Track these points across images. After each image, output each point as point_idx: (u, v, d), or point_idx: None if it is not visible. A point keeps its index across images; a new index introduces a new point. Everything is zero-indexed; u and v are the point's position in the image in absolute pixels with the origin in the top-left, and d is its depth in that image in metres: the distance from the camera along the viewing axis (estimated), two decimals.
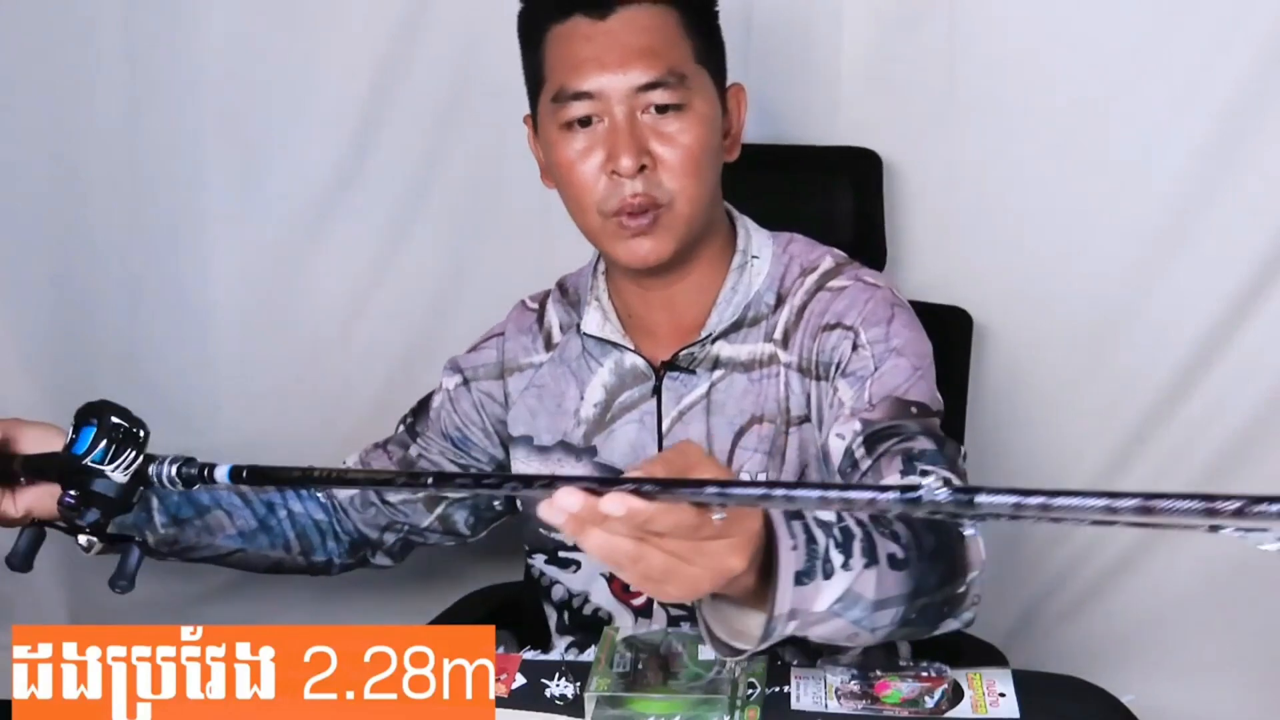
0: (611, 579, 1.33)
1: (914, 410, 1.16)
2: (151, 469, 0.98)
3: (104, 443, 0.99)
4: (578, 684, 1.07)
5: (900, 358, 1.18)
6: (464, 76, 1.76)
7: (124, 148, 1.87)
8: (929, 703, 1.03)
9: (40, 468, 1.06)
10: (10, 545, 1.04)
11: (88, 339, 1.98)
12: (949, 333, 1.54)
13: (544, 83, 1.20)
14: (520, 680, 1.09)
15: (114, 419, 1.02)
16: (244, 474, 0.90)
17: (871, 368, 1.18)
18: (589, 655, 1.11)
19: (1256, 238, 1.57)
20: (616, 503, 0.71)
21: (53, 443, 1.07)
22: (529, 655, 1.15)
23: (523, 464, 1.33)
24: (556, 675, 1.09)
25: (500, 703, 1.06)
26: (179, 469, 0.96)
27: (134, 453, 1.01)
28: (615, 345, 1.29)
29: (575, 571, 1.34)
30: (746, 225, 1.30)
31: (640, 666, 1.05)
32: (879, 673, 1.07)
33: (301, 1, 1.79)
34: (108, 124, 1.87)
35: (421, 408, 1.41)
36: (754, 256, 1.28)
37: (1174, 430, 1.66)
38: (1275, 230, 1.57)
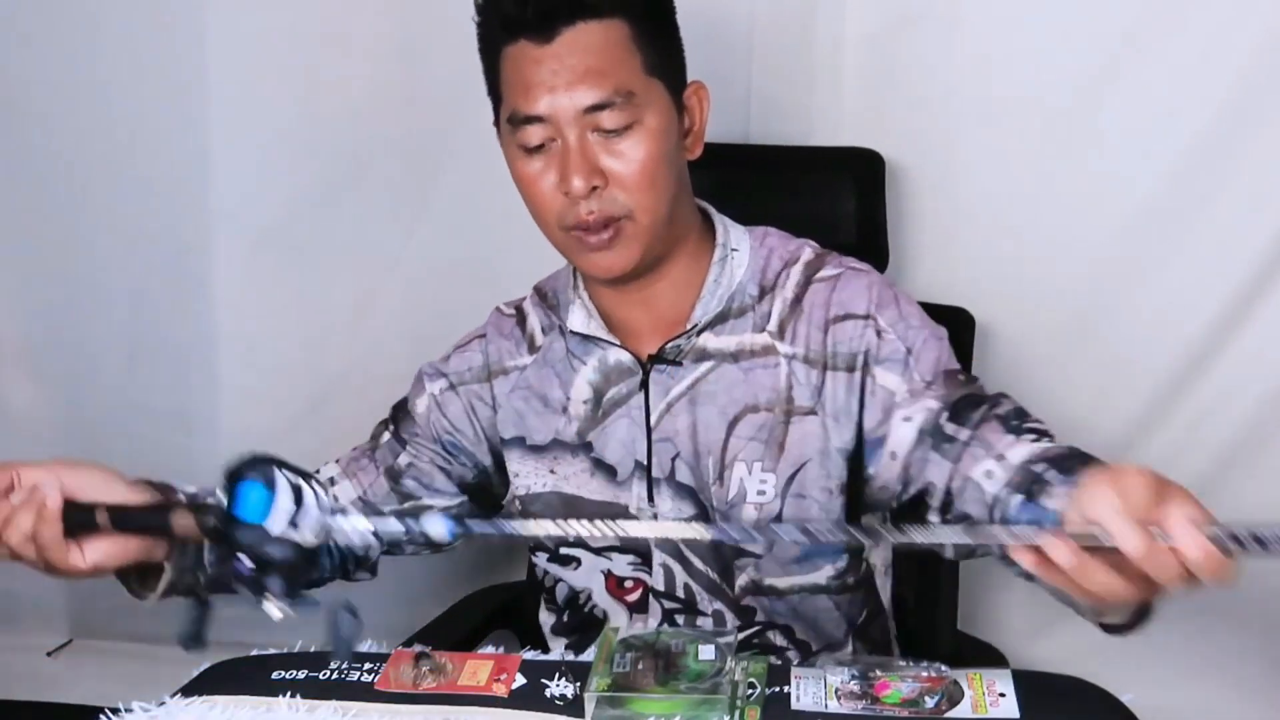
0: (608, 576, 1.33)
1: (962, 377, 1.22)
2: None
3: (281, 499, 0.90)
4: (578, 684, 1.07)
5: (923, 331, 1.24)
6: (468, 73, 1.75)
7: (127, 146, 1.88)
8: (929, 703, 1.03)
9: (160, 524, 0.98)
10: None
11: (93, 338, 1.99)
12: (951, 333, 1.53)
13: (501, 100, 1.22)
14: (520, 680, 1.09)
15: (288, 475, 0.91)
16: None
17: (903, 349, 1.22)
18: (589, 655, 1.11)
19: (1257, 237, 1.58)
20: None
21: (105, 484, 1.06)
22: (529, 655, 1.14)
23: (517, 464, 1.34)
24: (556, 675, 1.09)
25: (500, 703, 1.06)
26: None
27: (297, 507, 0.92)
28: (599, 343, 1.30)
29: (576, 569, 1.35)
30: (724, 222, 1.32)
31: (640, 666, 1.05)
32: (879, 673, 1.06)
33: (305, 4, 1.79)
34: (111, 124, 1.88)
35: (404, 415, 1.39)
36: (733, 249, 1.29)
37: (1174, 428, 1.66)
38: (1273, 229, 1.57)
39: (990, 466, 1.13)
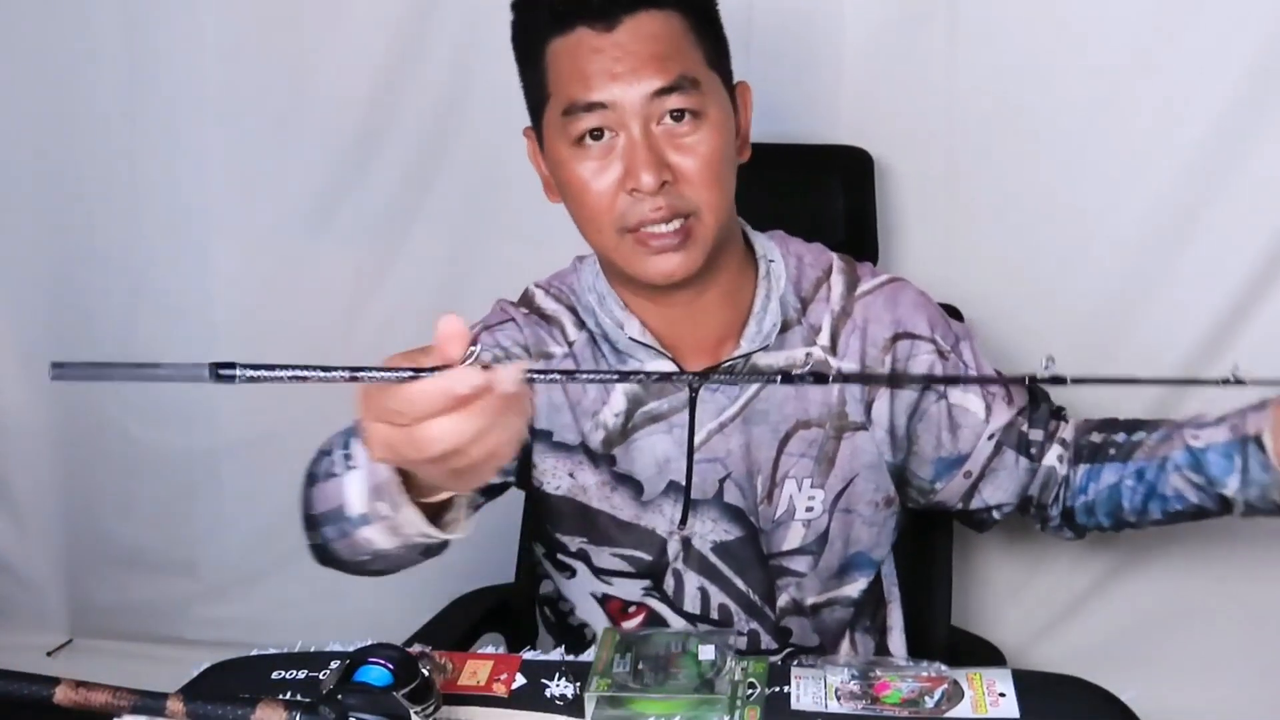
0: (606, 600, 1.29)
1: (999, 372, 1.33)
2: None
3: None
4: (578, 684, 1.07)
5: (966, 340, 1.29)
6: (465, 76, 1.76)
7: (124, 147, 1.88)
8: (929, 703, 1.03)
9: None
10: None
11: (87, 339, 1.99)
12: None
13: (549, 99, 1.15)
14: (520, 680, 1.09)
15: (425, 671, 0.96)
16: None
17: (962, 368, 1.27)
18: (589, 655, 1.11)
19: (1255, 239, 1.57)
20: None
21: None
22: (529, 655, 1.14)
23: (538, 457, 1.26)
24: (556, 675, 1.09)
25: (500, 703, 1.06)
26: None
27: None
28: (636, 356, 1.23)
29: (570, 578, 1.31)
30: (748, 228, 1.28)
31: (640, 666, 1.05)
32: (879, 673, 1.06)
33: (302, 2, 1.79)
34: (108, 123, 1.87)
35: None
36: (770, 261, 1.26)
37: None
38: (1274, 230, 1.57)
39: (1060, 451, 1.27)
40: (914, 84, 1.65)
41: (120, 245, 1.93)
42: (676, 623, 1.29)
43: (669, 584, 1.27)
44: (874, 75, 1.65)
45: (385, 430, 0.78)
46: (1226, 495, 1.16)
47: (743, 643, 1.28)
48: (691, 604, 1.28)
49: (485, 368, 0.72)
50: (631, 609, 1.30)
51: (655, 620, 1.29)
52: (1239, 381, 0.98)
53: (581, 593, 1.31)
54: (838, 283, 1.27)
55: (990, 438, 1.26)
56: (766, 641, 1.29)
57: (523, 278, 1.43)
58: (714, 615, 1.28)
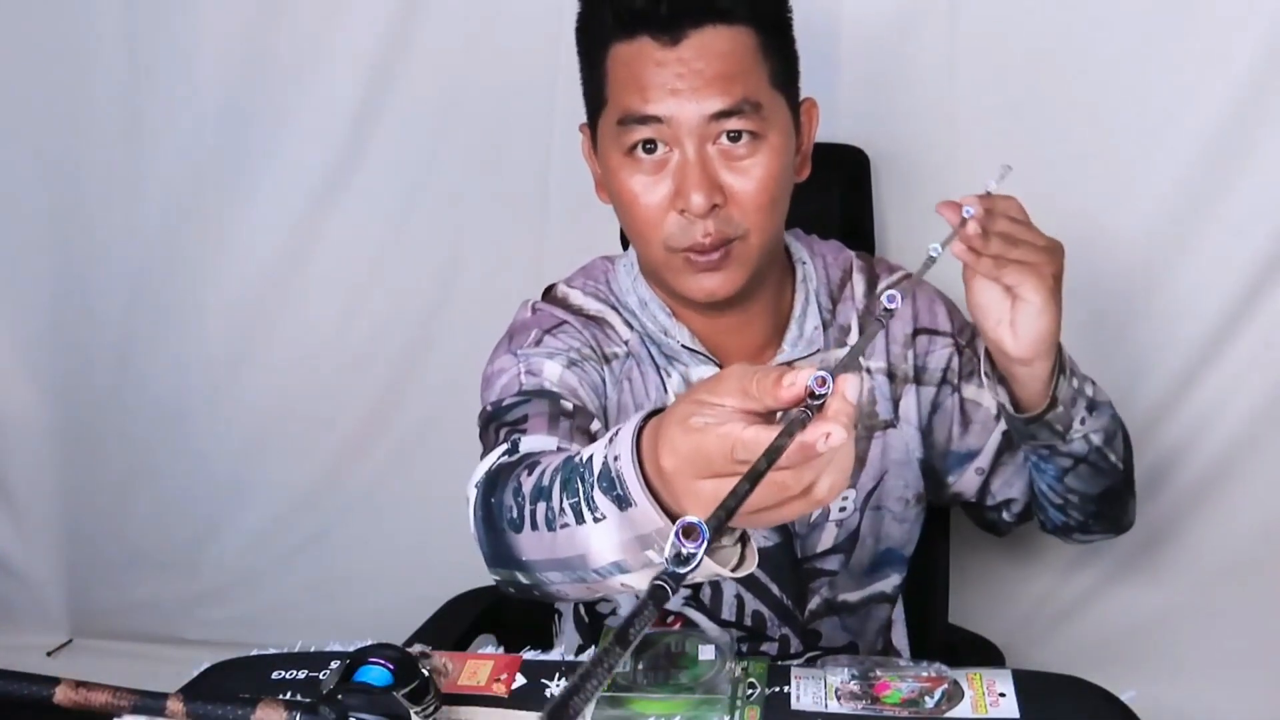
0: None
1: None
2: None
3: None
4: None
5: (979, 338, 1.27)
6: (460, 74, 1.75)
7: (122, 148, 1.88)
8: (929, 703, 1.03)
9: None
10: None
11: (85, 339, 1.99)
12: None
13: (606, 104, 1.13)
14: (520, 680, 1.09)
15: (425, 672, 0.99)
16: None
17: (976, 363, 1.25)
18: (589, 655, 1.11)
19: (1257, 240, 1.57)
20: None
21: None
22: (529, 655, 1.14)
23: None
24: (556, 675, 1.09)
25: (500, 703, 1.06)
26: None
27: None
28: (683, 360, 1.21)
29: None
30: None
31: (640, 666, 1.05)
32: (879, 673, 1.06)
33: (300, 1, 1.79)
34: (106, 124, 1.87)
35: (543, 395, 1.13)
36: (803, 263, 1.26)
37: (1173, 431, 1.66)
38: (1275, 231, 1.56)
39: None
40: (913, 84, 1.64)
41: (118, 245, 1.93)
42: (713, 631, 1.25)
43: (706, 593, 1.27)
44: (872, 75, 1.65)
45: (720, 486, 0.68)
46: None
47: (773, 648, 1.28)
48: (728, 612, 1.27)
49: (816, 401, 0.66)
50: (670, 619, 1.28)
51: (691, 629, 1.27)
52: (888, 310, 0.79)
53: (627, 598, 1.29)
54: (859, 281, 1.27)
55: (1002, 434, 1.26)
56: (795, 645, 1.28)
57: (517, 277, 1.43)
58: (748, 622, 1.27)
